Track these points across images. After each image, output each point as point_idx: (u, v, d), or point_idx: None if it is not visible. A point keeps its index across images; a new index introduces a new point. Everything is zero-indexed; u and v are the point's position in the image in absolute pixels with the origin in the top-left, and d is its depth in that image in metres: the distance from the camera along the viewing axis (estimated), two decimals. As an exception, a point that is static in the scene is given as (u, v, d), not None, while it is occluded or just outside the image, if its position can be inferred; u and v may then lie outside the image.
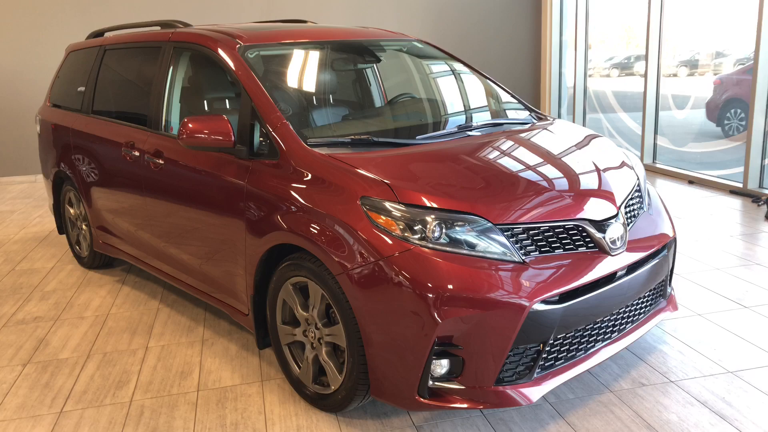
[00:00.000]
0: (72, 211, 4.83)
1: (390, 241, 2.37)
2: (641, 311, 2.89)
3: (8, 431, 2.77)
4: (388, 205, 2.43)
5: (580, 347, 2.60)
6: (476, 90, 3.76)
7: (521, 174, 2.71)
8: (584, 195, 2.67)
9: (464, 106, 3.70)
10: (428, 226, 2.37)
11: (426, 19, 9.18)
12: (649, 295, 2.92)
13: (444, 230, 2.37)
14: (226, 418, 2.79)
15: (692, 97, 9.75)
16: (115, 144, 3.91)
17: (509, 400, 2.38)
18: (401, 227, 2.38)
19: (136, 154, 3.68)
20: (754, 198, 5.82)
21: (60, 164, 4.71)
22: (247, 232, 2.92)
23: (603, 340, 2.69)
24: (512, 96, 3.75)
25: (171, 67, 3.60)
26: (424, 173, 2.63)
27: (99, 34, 4.91)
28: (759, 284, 3.93)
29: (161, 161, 3.47)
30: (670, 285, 3.14)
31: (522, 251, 2.42)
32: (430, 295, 2.27)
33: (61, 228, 5.11)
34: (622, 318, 2.77)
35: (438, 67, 3.89)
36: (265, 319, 3.05)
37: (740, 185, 6.16)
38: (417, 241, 2.36)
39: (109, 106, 4.25)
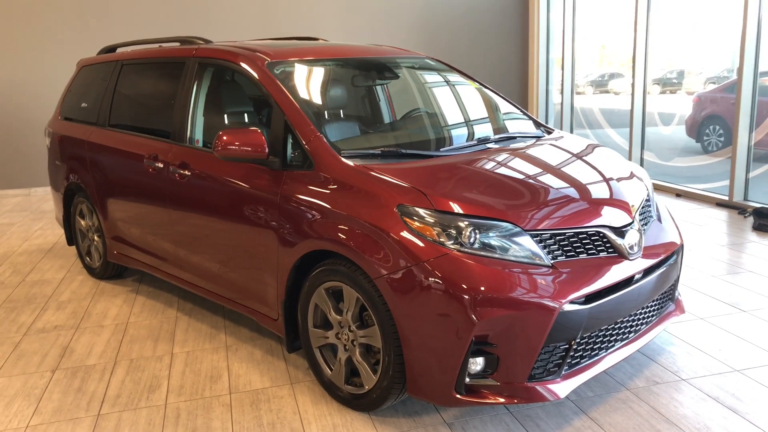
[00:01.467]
0: (83, 222, 4.90)
1: (427, 247, 2.52)
2: (653, 314, 3.07)
3: (49, 434, 2.85)
4: (423, 212, 2.58)
5: (602, 347, 2.77)
6: (487, 105, 3.95)
7: (544, 183, 2.88)
8: (603, 203, 2.85)
9: (478, 120, 3.88)
10: (463, 232, 2.52)
11: (411, 35, 9.40)
12: (660, 299, 3.11)
13: (478, 236, 2.53)
14: (262, 418, 2.90)
15: (666, 113, 10.10)
16: (136, 156, 4.01)
17: (540, 395, 2.53)
18: (437, 233, 2.53)
19: (160, 165, 3.78)
20: (740, 210, 6.09)
21: (72, 176, 4.79)
22: (279, 239, 3.05)
23: (621, 340, 2.86)
24: (521, 111, 3.94)
25: (196, 82, 3.72)
26: (455, 182, 2.79)
27: (111, 49, 5.02)
28: (753, 290, 4.15)
29: (187, 172, 3.57)
30: (677, 290, 3.33)
31: (550, 255, 2.59)
32: (468, 297, 2.42)
33: (71, 239, 5.16)
34: (638, 319, 2.94)
35: (449, 83, 4.07)
36: (293, 323, 3.17)
37: (726, 198, 6.43)
38: (453, 246, 2.51)
39: (129, 119, 4.35)
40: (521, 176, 2.94)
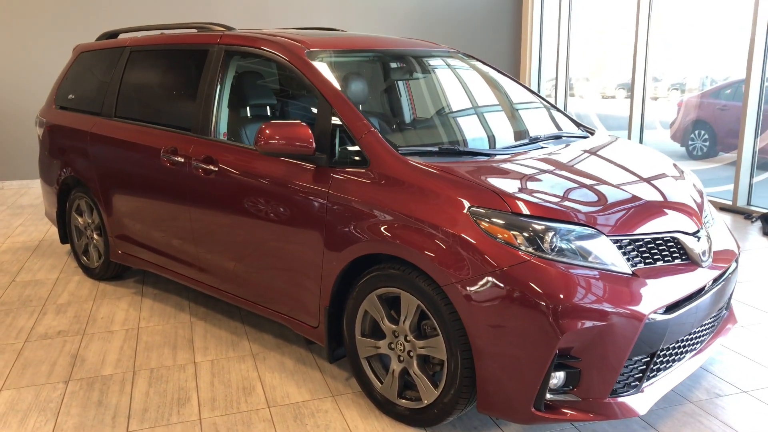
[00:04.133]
0: (81, 219, 4.58)
1: (505, 252, 2.34)
2: (715, 323, 2.96)
3: (76, 454, 2.58)
4: (500, 215, 2.40)
5: (676, 359, 2.63)
6: (527, 103, 3.80)
7: (615, 186, 2.73)
8: (674, 208, 2.72)
9: (523, 118, 3.71)
10: (543, 237, 2.35)
11: (404, 30, 9.22)
12: (722, 307, 2.99)
13: (558, 241, 2.36)
14: (310, 435, 2.68)
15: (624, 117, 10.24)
16: (151, 149, 3.73)
17: (621, 411, 2.38)
18: (516, 238, 2.36)
19: (180, 159, 3.51)
20: (747, 215, 6.08)
21: (70, 170, 4.47)
22: (325, 241, 2.83)
23: (691, 351, 2.74)
24: (559, 110, 3.80)
25: (222, 71, 3.47)
26: (525, 183, 2.62)
27: (113, 35, 4.71)
28: (784, 297, 4.10)
29: (213, 167, 3.32)
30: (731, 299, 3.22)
31: (629, 262, 2.44)
32: (551, 308, 2.25)
33: (65, 237, 4.83)
34: (706, 329, 2.82)
35: (486, 79, 3.89)
36: (335, 332, 2.96)
37: (729, 203, 6.42)
38: (533, 252, 2.33)
39: (140, 109, 4.05)
40: (589, 178, 2.78)
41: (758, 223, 5.85)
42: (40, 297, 4.28)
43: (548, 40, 9.70)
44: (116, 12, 8.02)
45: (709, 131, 10.12)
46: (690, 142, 10.31)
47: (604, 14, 10.29)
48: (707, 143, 10.08)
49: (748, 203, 6.35)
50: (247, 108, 3.57)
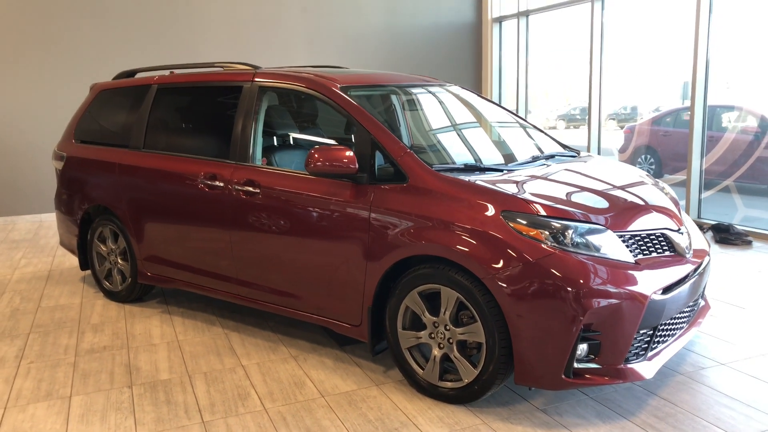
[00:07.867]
0: (103, 246, 4.87)
1: (534, 247, 2.84)
2: (696, 307, 3.53)
3: (164, 441, 2.91)
4: (526, 217, 2.91)
5: (670, 334, 3.17)
6: (522, 126, 4.37)
7: (614, 192, 3.29)
8: (660, 210, 3.29)
9: (522, 139, 4.26)
10: (565, 233, 2.87)
11: (373, 66, 9.85)
12: (700, 294, 3.57)
13: (576, 237, 2.88)
14: (367, 415, 3.08)
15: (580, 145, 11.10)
16: (185, 176, 4.09)
17: (634, 375, 2.90)
18: (543, 235, 2.87)
19: (219, 184, 3.90)
20: (699, 227, 6.79)
21: (94, 200, 4.78)
22: (367, 248, 3.27)
23: (680, 328, 3.29)
24: (546, 134, 4.38)
25: (258, 105, 3.90)
26: (543, 191, 3.14)
27: (130, 74, 5.09)
28: (743, 291, 4.74)
29: (255, 190, 3.73)
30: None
31: (632, 254, 2.98)
32: (577, 291, 2.75)
33: (85, 264, 5.09)
34: (690, 311, 3.38)
35: (482, 107, 4.45)
36: (375, 328, 3.38)
37: (683, 217, 7.15)
38: (556, 246, 2.84)
39: (171, 141, 4.43)
40: (588, 186, 3.33)
41: (710, 233, 6.57)
42: (72, 319, 4.54)
43: (507, 74, 10.48)
44: (113, 55, 8.36)
45: (654, 155, 11.06)
46: (638, 166, 11.21)
47: (550, 53, 11.15)
48: (654, 166, 10.99)
49: (699, 216, 7.10)
50: (281, 136, 4.01)
